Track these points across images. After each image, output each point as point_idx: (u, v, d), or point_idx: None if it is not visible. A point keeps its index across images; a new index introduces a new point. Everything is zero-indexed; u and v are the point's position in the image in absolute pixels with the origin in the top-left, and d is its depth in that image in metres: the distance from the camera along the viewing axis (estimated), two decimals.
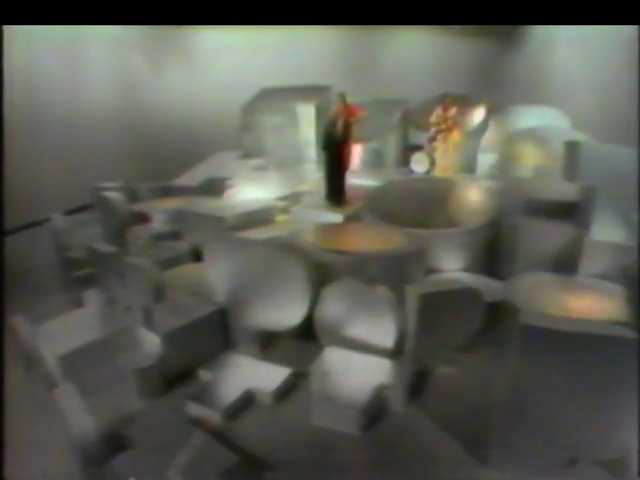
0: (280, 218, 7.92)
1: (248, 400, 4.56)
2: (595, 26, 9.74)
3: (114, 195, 8.34)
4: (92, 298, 6.21)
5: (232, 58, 12.72)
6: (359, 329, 5.08)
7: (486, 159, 9.39)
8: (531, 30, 12.29)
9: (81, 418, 3.82)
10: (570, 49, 10.77)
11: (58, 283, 7.43)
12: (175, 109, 12.34)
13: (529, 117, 9.89)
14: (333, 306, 5.12)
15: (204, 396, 4.49)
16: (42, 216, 9.41)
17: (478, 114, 9.85)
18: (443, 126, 8.91)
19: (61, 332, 5.14)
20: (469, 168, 9.79)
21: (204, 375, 4.90)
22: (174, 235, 7.88)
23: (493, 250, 6.90)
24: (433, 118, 9.08)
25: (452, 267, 6.64)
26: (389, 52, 13.19)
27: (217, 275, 5.48)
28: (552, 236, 6.55)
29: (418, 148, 10.02)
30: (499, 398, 3.66)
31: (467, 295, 4.88)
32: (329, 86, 11.35)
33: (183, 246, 7.38)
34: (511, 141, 9.20)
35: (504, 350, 3.63)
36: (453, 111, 8.85)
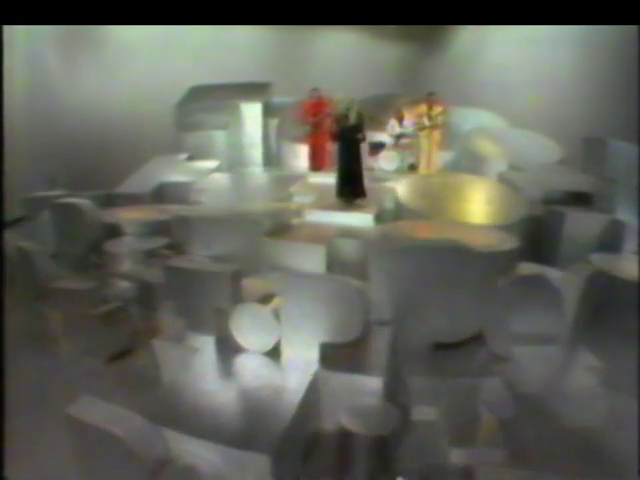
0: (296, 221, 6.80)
1: None
2: (536, 26, 10.48)
3: (84, 203, 6.33)
4: None
5: (149, 55, 10.95)
6: (528, 322, 4.38)
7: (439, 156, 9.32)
8: (458, 33, 12.78)
9: None
10: (506, 50, 11.36)
11: None
12: (90, 109, 10.12)
13: (469, 118, 10.18)
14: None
15: None
16: None
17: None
18: (428, 123, 8.59)
19: None
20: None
21: None
22: (172, 247, 6.25)
23: (533, 240, 6.72)
24: (416, 115, 8.71)
25: None
26: (314, 51, 12.62)
27: (382, 289, 4.35)
28: (590, 223, 6.60)
29: (380, 145, 9.60)
30: None
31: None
32: (269, 83, 10.42)
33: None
34: (469, 139, 9.34)
35: None
36: (438, 109, 8.58)
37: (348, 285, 3.85)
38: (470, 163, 9.01)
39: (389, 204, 7.22)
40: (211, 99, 9.86)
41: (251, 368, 3.70)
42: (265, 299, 4.27)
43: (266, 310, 3.81)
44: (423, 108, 8.63)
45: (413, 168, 9.74)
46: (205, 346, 3.88)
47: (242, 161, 9.91)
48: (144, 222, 6.82)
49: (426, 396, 3.65)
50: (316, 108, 8.98)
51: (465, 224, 6.05)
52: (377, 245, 4.64)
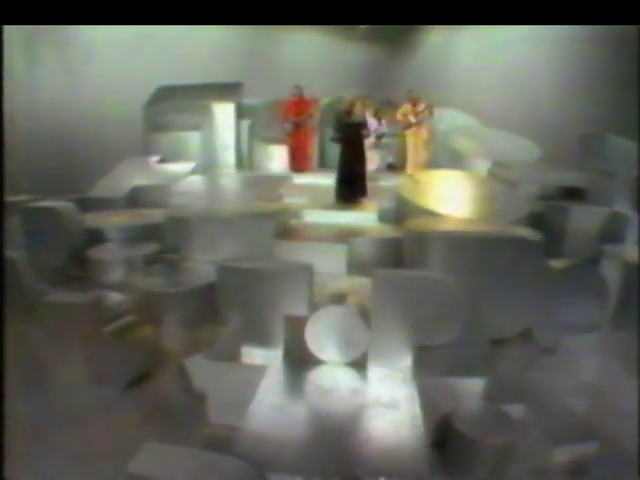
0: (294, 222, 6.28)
1: None
2: (505, 28, 10.47)
3: (63, 206, 5.49)
4: None
5: (114, 55, 10.01)
6: (574, 311, 4.18)
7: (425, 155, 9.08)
8: (426, 35, 12.62)
9: None
10: (475, 51, 11.30)
11: None
12: (52, 109, 9.05)
13: (444, 118, 10.02)
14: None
15: None
16: None
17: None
18: (414, 121, 8.30)
19: None
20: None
21: None
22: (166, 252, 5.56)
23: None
24: (400, 114, 8.40)
25: None
26: (283, 52, 12.07)
27: None
28: (593, 216, 6.51)
29: None
30: None
31: None
32: (241, 83, 9.84)
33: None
34: (450, 138, 9.17)
35: None
36: (422, 106, 8.31)
37: (445, 282, 3.41)
38: (451, 162, 8.85)
39: (389, 203, 6.85)
40: (181, 99, 9.17)
41: (342, 382, 3.16)
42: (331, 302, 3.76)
43: (355, 314, 3.30)
44: (407, 106, 8.35)
45: (392, 168, 9.49)
46: (269, 361, 3.26)
47: (215, 163, 9.28)
48: (128, 227, 6.09)
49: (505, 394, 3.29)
50: (298, 107, 8.51)
51: (483, 220, 5.76)
52: (440, 239, 4.18)
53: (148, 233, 6.09)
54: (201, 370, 3.22)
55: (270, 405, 2.82)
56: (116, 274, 5.39)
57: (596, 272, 4.48)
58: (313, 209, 6.52)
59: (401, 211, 6.68)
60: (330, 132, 10.02)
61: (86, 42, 9.83)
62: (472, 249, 3.91)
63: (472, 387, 3.15)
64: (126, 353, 3.52)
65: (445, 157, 9.08)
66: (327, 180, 8.14)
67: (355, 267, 5.15)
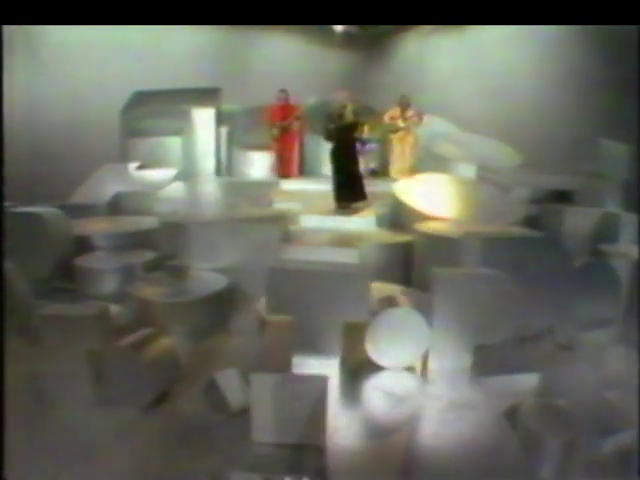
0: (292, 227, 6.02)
1: None
2: (482, 32, 10.56)
3: (51, 212, 5.03)
4: None
5: (86, 58, 9.49)
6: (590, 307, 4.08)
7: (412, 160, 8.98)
8: (403, 41, 12.55)
9: None
10: (451, 57, 11.30)
11: None
12: (22, 114, 8.43)
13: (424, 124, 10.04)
14: None
15: None
16: None
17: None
18: (402, 126, 8.19)
19: None
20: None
21: None
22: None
23: None
24: (388, 116, 8.28)
25: None
26: (258, 56, 11.73)
27: None
28: (588, 217, 6.54)
29: None
30: None
31: None
32: (219, 88, 9.52)
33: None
34: (434, 143, 9.13)
35: None
36: (411, 112, 8.21)
37: (503, 278, 3.29)
38: (435, 167, 8.79)
39: (384, 208, 6.70)
40: (159, 105, 8.77)
41: (409, 387, 2.97)
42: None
43: (417, 316, 3.09)
44: (396, 111, 8.25)
45: (374, 173, 9.37)
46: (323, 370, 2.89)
47: (194, 170, 8.92)
48: (117, 234, 5.69)
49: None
50: (284, 111, 8.27)
51: (483, 222, 5.67)
52: (475, 239, 4.03)
53: (139, 240, 5.73)
54: (235, 384, 2.92)
55: (346, 417, 2.56)
56: (110, 284, 5.00)
57: (611, 268, 4.45)
58: (310, 214, 6.31)
59: (400, 216, 6.56)
60: (313, 137, 10.06)
61: (59, 44, 9.30)
62: (505, 248, 3.78)
63: (526, 384, 3.06)
64: (149, 369, 3.16)
65: (429, 162, 9.05)
66: (313, 186, 7.99)
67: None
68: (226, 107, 9.49)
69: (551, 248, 3.99)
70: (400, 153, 8.36)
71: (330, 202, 6.76)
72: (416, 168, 8.93)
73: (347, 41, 12.41)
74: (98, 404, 3.18)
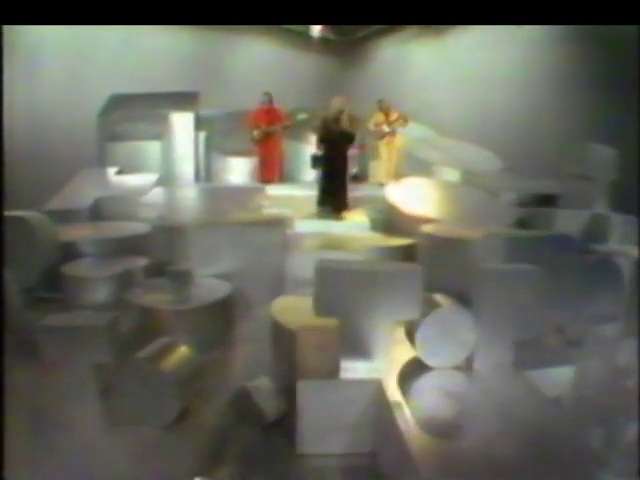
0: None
1: None
2: (458, 40, 10.65)
3: (37, 217, 4.67)
4: None
5: (59, 60, 9.05)
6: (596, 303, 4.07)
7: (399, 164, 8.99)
8: (379, 47, 12.58)
9: None
10: (428, 65, 11.39)
11: None
12: None
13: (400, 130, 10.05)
14: None
15: None
16: None
17: None
18: (387, 130, 8.13)
19: None
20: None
21: None
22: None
23: None
24: (372, 124, 8.20)
25: None
26: (234, 60, 11.52)
27: None
28: (578, 219, 6.61)
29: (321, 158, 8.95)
30: None
31: None
32: (198, 92, 9.29)
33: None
34: (416, 148, 9.12)
35: None
36: (395, 116, 8.17)
37: (540, 273, 3.26)
38: (419, 171, 8.79)
39: (377, 212, 6.62)
40: (136, 108, 8.47)
41: (465, 386, 2.90)
42: None
43: (465, 314, 3.02)
44: (380, 116, 8.19)
45: (356, 178, 9.29)
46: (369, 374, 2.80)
47: (173, 175, 8.63)
48: (104, 240, 5.36)
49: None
50: (269, 115, 8.08)
51: (480, 225, 5.66)
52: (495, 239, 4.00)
53: (129, 246, 5.42)
54: (268, 393, 2.72)
55: (405, 419, 2.39)
56: (102, 293, 4.68)
57: (616, 266, 4.49)
58: (302, 219, 6.17)
59: (393, 219, 6.49)
60: (292, 143, 9.91)
61: (32, 45, 8.85)
62: (528, 247, 3.75)
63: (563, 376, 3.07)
64: (172, 382, 2.88)
65: (412, 167, 9.04)
66: (298, 191, 7.86)
67: None
68: (203, 112, 9.28)
69: (567, 246, 4.00)
70: (387, 157, 8.29)
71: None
72: (400, 172, 8.94)
73: (324, 46, 12.38)
74: (112, 424, 2.92)
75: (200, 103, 9.21)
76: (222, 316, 4.27)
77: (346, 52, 12.86)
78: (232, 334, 4.32)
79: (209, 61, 11.12)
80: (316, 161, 9.18)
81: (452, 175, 8.31)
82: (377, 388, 2.35)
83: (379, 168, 8.58)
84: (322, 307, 2.78)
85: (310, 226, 6.04)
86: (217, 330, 4.19)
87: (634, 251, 5.36)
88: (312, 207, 6.75)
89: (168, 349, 3.07)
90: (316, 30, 11.72)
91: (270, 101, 8.13)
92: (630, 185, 6.53)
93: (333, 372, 2.55)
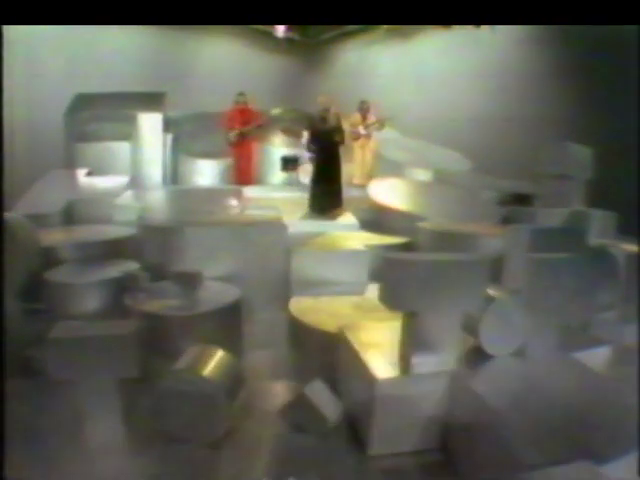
0: None
1: None
2: (420, 43, 10.70)
3: (19, 220, 4.20)
4: None
5: (22, 57, 8.33)
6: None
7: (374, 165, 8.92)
8: (343, 49, 12.49)
9: None
10: (392, 67, 11.26)
11: None
12: None
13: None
14: None
15: None
16: None
17: None
18: (363, 132, 8.04)
19: None
20: None
21: None
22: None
23: None
24: (349, 124, 8.07)
25: None
26: (198, 61, 11.08)
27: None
28: (559, 217, 6.76)
29: (294, 160, 8.75)
30: None
31: None
32: (165, 93, 8.87)
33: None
34: (386, 148, 9.11)
35: None
36: (372, 118, 8.10)
37: (585, 262, 3.37)
38: (390, 172, 8.76)
39: (364, 211, 6.51)
40: (104, 108, 7.97)
41: (525, 372, 2.86)
42: None
43: (516, 302, 3.00)
44: (357, 117, 8.11)
45: None
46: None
47: (141, 177, 8.19)
48: (87, 244, 4.95)
49: None
50: (244, 116, 7.82)
51: (469, 222, 5.70)
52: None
53: (113, 249, 5.03)
54: (327, 397, 2.50)
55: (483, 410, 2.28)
56: (92, 300, 4.30)
57: (613, 258, 4.60)
58: (289, 220, 5.95)
59: (382, 218, 6.40)
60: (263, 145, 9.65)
61: None
62: (546, 239, 3.75)
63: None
64: (220, 394, 2.60)
65: (383, 168, 8.99)
66: (276, 193, 7.71)
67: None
68: (171, 113, 8.88)
69: (577, 239, 4.07)
70: (361, 159, 8.22)
71: (300, 208, 6.49)
72: (373, 174, 8.87)
73: (288, 47, 12.20)
74: (146, 447, 2.60)
75: (166, 104, 8.85)
76: (232, 321, 4.01)
77: (311, 54, 12.74)
78: (242, 340, 4.08)
79: (172, 62, 10.67)
80: (287, 163, 9.06)
81: (424, 176, 8.35)
82: (452, 380, 2.23)
83: (353, 169, 8.47)
84: (392, 300, 2.62)
85: (301, 226, 5.85)
86: (227, 335, 3.92)
87: (623, 245, 5.57)
88: (294, 208, 6.58)
89: (208, 356, 2.78)
90: (280, 31, 11.52)
91: (245, 102, 7.87)
92: (606, 183, 6.75)
93: (404, 368, 2.39)
